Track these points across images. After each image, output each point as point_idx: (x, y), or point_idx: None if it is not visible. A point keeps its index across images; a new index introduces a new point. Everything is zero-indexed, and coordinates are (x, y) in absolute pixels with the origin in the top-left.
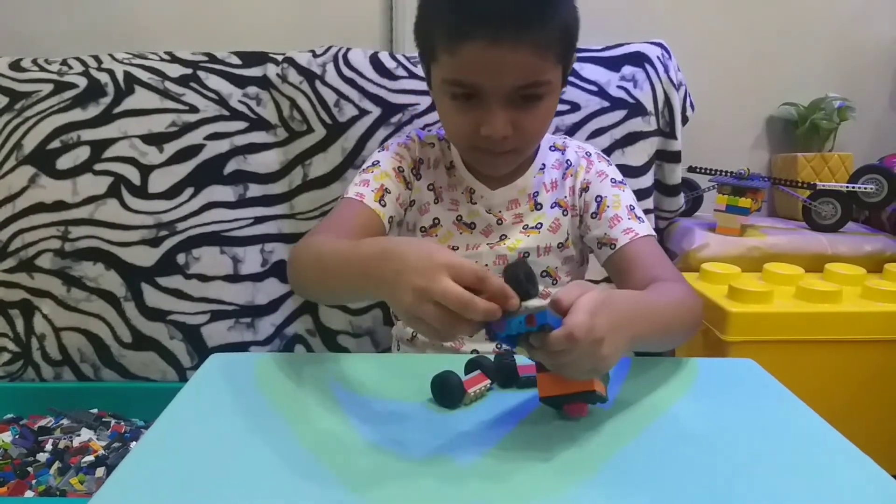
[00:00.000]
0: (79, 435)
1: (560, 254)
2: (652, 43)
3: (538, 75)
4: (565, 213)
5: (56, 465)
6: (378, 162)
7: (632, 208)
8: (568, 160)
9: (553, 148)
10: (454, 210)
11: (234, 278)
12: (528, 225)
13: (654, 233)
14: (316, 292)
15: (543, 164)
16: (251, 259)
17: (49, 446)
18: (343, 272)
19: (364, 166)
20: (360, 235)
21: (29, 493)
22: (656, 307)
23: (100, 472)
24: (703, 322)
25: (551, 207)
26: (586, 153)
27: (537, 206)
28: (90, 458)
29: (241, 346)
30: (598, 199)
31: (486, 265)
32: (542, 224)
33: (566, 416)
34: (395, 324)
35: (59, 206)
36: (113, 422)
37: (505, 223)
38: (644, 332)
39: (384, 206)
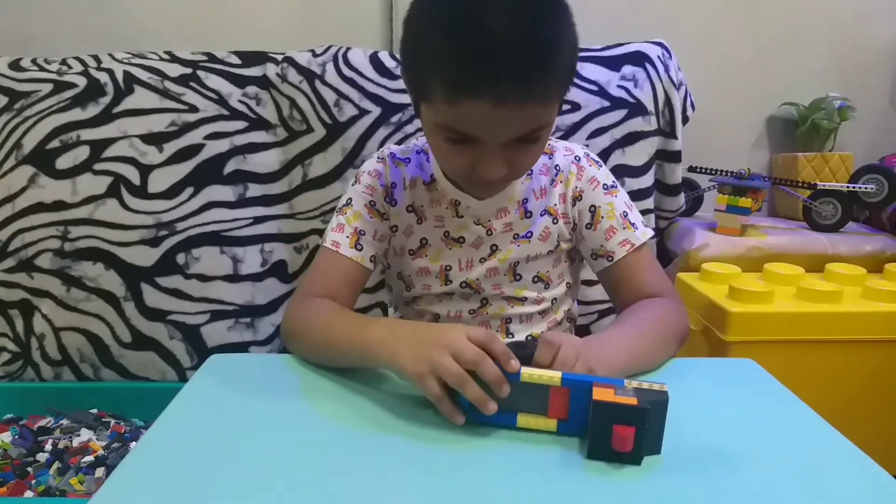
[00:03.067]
0: (78, 435)
1: (549, 257)
2: (652, 42)
3: (541, 121)
4: (555, 221)
5: (56, 465)
6: (350, 200)
7: (625, 215)
8: (557, 165)
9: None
10: (440, 227)
11: (234, 278)
12: (518, 234)
13: (647, 237)
14: (314, 358)
15: (531, 171)
16: (251, 259)
17: (49, 446)
18: (348, 350)
19: (339, 205)
20: (345, 288)
21: (28, 494)
22: (631, 340)
23: (99, 472)
24: (704, 322)
25: (541, 215)
26: (575, 157)
27: (527, 214)
28: (90, 458)
29: (241, 346)
30: (592, 209)
31: (477, 279)
32: (531, 233)
33: (615, 455)
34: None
35: (59, 205)
36: (113, 422)
37: (495, 233)
38: (625, 364)
39: (360, 249)
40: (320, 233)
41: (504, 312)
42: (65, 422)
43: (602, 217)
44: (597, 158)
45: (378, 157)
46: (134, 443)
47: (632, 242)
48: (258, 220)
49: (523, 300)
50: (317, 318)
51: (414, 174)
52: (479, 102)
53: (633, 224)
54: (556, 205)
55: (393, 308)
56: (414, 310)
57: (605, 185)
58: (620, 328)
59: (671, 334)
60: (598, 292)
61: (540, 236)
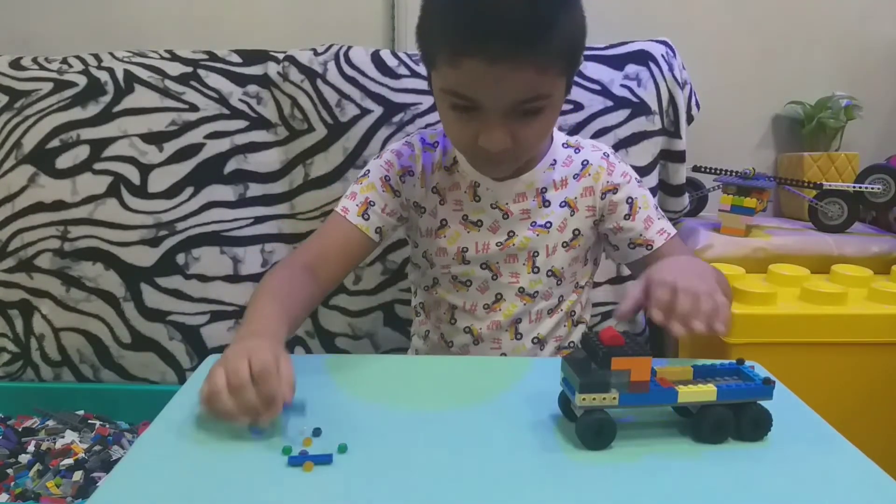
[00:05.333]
0: (62, 437)
1: (566, 254)
2: (656, 41)
3: (538, 90)
4: (573, 213)
5: (36, 467)
6: (368, 172)
7: (656, 207)
8: (585, 160)
9: (566, 145)
10: (459, 210)
11: (234, 278)
12: (536, 222)
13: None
14: None
15: (554, 161)
16: (251, 259)
17: (31, 448)
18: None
19: (359, 174)
20: (341, 255)
21: (4, 497)
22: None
23: (77, 475)
24: None
25: (560, 206)
26: (604, 153)
27: (545, 203)
28: (69, 461)
29: None
30: (630, 200)
31: (497, 263)
32: (550, 223)
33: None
34: (412, 337)
35: (59, 205)
36: (98, 424)
37: (512, 217)
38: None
39: (367, 219)
40: None
41: (515, 311)
42: (50, 423)
43: (640, 208)
44: (620, 157)
45: (405, 142)
46: (116, 446)
47: (668, 232)
48: (259, 220)
49: (535, 295)
50: (266, 286)
51: (437, 158)
52: (473, 61)
53: (662, 216)
54: (576, 197)
55: (414, 293)
56: (433, 297)
57: (636, 178)
58: (702, 264)
59: (727, 290)
60: (601, 295)
61: (558, 227)
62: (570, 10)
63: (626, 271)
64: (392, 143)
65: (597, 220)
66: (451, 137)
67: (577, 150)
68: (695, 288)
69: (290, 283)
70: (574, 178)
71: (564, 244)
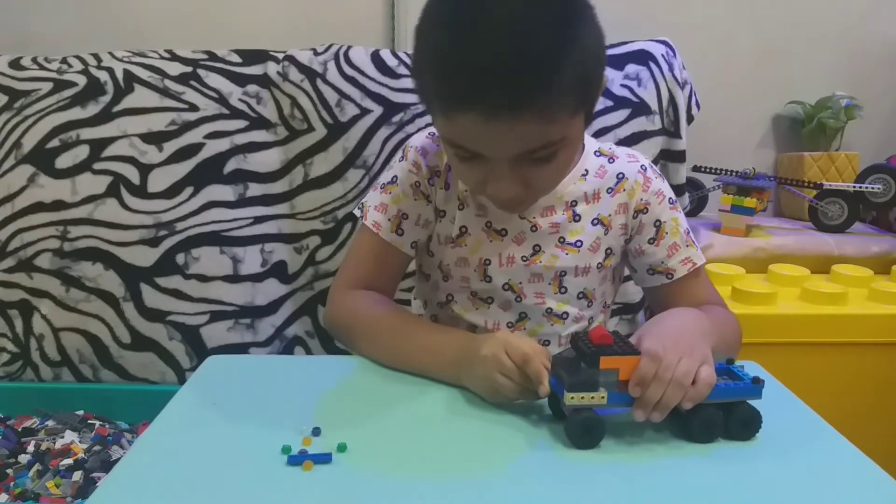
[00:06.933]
0: (62, 437)
1: (598, 274)
2: (656, 41)
3: (548, 138)
4: (607, 231)
5: (35, 467)
6: (396, 178)
7: (687, 232)
8: (620, 173)
9: (598, 153)
10: (482, 216)
11: (234, 279)
12: (564, 238)
13: (704, 260)
14: (372, 356)
15: (586, 171)
16: (251, 259)
17: (31, 448)
18: (424, 361)
19: (383, 179)
20: (386, 275)
21: (3, 497)
22: (713, 324)
23: (77, 475)
24: None
25: (592, 224)
26: (641, 167)
27: (575, 217)
28: (69, 461)
29: (241, 348)
30: (658, 223)
31: (520, 283)
32: (581, 242)
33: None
34: None
35: (58, 205)
36: (97, 424)
37: (540, 231)
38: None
39: (401, 234)
40: (321, 233)
41: (542, 330)
42: (50, 423)
43: (666, 233)
44: (658, 171)
45: (429, 133)
46: (116, 446)
47: (693, 262)
48: (258, 219)
49: (564, 316)
50: (370, 316)
51: None
52: (469, 116)
53: (694, 243)
54: (610, 214)
55: (422, 303)
56: (448, 314)
57: (670, 199)
58: (704, 324)
59: (734, 344)
60: None
61: (591, 247)
62: (577, 40)
63: None
64: (415, 137)
65: (627, 240)
66: (460, 179)
67: (612, 159)
68: (673, 371)
69: (383, 301)
70: (608, 192)
71: (599, 265)
